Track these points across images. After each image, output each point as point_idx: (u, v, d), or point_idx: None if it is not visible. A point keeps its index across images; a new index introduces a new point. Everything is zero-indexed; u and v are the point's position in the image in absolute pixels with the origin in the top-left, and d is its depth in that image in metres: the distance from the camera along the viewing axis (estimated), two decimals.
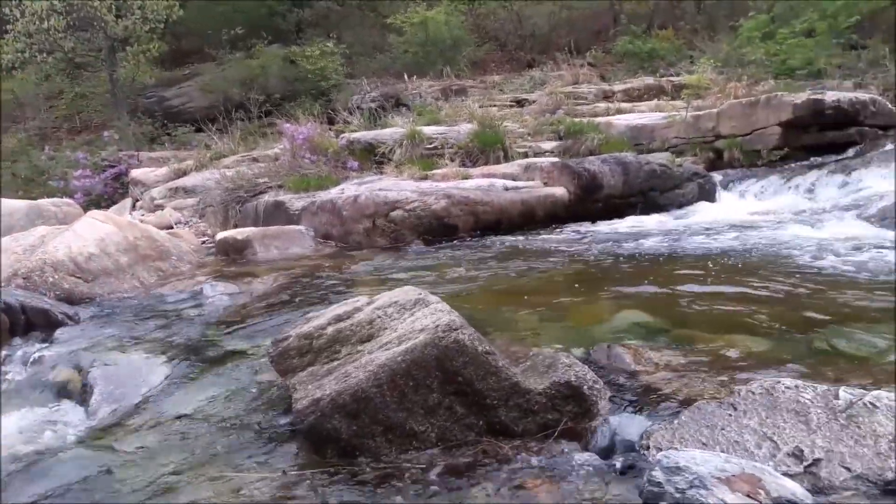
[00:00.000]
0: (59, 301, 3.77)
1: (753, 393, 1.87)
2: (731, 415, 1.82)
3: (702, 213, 5.89)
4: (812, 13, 10.47)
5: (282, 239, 5.44)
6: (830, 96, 6.67)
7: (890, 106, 6.98)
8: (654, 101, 9.90)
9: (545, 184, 6.02)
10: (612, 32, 15.46)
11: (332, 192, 6.01)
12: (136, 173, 9.95)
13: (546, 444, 1.91)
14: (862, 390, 1.81)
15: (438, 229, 5.47)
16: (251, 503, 1.73)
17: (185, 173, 9.33)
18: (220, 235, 5.52)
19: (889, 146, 6.31)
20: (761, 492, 1.36)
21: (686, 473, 1.40)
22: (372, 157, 7.38)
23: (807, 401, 1.80)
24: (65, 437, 2.24)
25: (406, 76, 12.62)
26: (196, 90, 16.27)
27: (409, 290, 2.36)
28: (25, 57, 14.35)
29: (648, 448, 1.80)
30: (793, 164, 6.51)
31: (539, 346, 2.45)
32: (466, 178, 6.16)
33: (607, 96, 10.86)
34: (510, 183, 5.95)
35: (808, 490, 1.45)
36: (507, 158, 7.01)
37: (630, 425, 1.95)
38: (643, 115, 8.55)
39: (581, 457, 1.85)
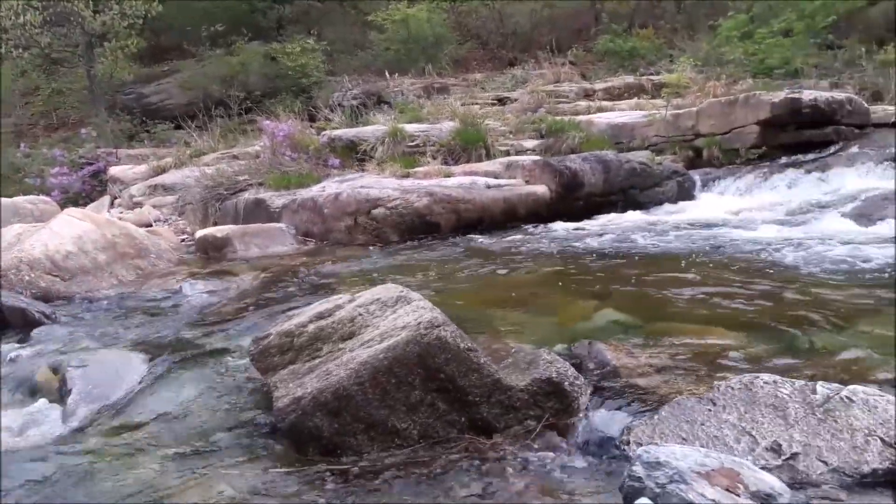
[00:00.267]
0: (37, 300, 3.72)
1: (732, 388, 1.89)
2: (710, 410, 1.84)
3: (681, 211, 5.94)
4: (790, 13, 10.60)
5: (262, 237, 5.40)
6: (807, 95, 6.73)
7: (866, 105, 7.06)
8: (635, 100, 9.97)
9: (527, 182, 6.04)
10: (593, 31, 15.58)
11: (314, 190, 5.97)
12: (114, 171, 9.84)
13: (528, 440, 1.92)
14: (839, 385, 1.84)
15: (420, 227, 5.46)
16: (231, 503, 1.72)
17: (164, 171, 9.24)
18: (200, 233, 5.48)
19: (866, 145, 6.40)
20: (740, 486, 1.38)
21: (666, 468, 1.42)
22: (353, 155, 7.34)
23: (785, 396, 1.82)
24: (42, 437, 2.20)
25: (388, 74, 12.58)
26: (175, 87, 16.07)
27: (390, 288, 2.35)
28: (1, 52, 14.11)
29: (629, 443, 1.81)
30: (771, 163, 6.58)
31: (521, 343, 2.45)
32: (448, 175, 6.16)
33: (588, 95, 10.92)
34: (492, 181, 5.95)
35: (786, 483, 1.46)
36: (489, 156, 7.02)
37: (611, 421, 1.97)
38: (624, 114, 8.59)
39: (562, 452, 1.86)
